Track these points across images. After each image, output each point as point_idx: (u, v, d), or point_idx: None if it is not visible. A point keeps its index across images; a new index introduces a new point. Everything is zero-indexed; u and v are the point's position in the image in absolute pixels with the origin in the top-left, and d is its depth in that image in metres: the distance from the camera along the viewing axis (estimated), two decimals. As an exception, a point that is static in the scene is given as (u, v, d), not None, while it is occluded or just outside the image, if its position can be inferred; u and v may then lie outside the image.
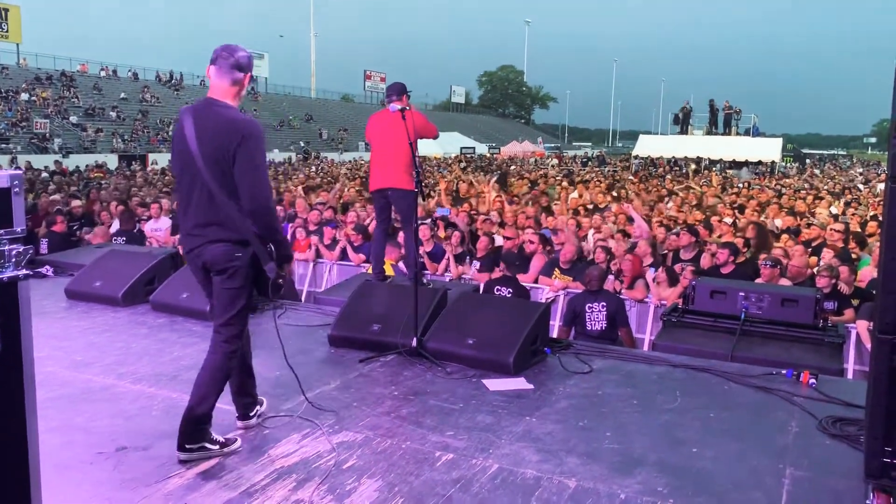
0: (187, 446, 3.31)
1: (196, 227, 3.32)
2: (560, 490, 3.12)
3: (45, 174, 21.86)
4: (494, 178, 16.79)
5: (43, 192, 13.82)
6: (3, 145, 34.94)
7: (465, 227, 8.90)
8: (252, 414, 3.72)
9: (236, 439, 3.50)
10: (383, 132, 5.69)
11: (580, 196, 14.18)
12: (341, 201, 12.30)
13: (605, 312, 6.14)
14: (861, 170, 45.38)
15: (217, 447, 3.38)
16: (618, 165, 36.87)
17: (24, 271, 1.97)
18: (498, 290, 6.75)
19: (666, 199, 14.34)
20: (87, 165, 29.55)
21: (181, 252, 3.51)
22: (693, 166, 33.15)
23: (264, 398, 3.96)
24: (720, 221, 10.05)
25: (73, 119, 41.32)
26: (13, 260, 1.94)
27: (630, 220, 9.49)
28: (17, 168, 24.99)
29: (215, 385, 3.36)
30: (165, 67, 58.73)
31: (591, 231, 9.32)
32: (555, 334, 6.53)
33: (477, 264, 7.73)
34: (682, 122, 38.06)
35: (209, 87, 3.37)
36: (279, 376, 4.53)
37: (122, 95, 48.41)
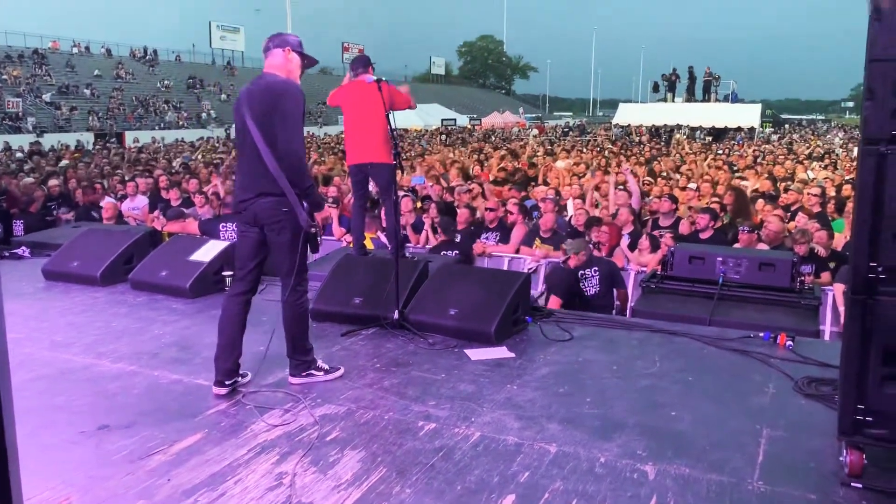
0: (302, 374, 3.95)
1: (246, 181, 3.73)
2: (541, 455, 3.16)
3: (19, 154, 21.48)
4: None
5: (19, 171, 13.56)
6: (-25, 126, 34.36)
7: (438, 198, 8.88)
8: (229, 382, 3.82)
9: (339, 367, 4.09)
10: (358, 104, 5.61)
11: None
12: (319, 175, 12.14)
13: (598, 277, 6.23)
14: (842, 134, 45.60)
15: (322, 374, 3.99)
16: (600, 135, 36.79)
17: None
18: (445, 254, 6.95)
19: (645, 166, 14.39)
20: (60, 143, 29.08)
21: (232, 204, 4.32)
22: (677, 135, 33.18)
23: (249, 373, 4.00)
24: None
25: (47, 97, 40.62)
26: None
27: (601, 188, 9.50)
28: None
29: (300, 330, 3.88)
30: (139, 43, 57.68)
31: (571, 199, 9.33)
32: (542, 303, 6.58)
33: (458, 236, 7.70)
34: (669, 89, 38.01)
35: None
36: (265, 351, 4.53)
37: (96, 72, 47.58)
